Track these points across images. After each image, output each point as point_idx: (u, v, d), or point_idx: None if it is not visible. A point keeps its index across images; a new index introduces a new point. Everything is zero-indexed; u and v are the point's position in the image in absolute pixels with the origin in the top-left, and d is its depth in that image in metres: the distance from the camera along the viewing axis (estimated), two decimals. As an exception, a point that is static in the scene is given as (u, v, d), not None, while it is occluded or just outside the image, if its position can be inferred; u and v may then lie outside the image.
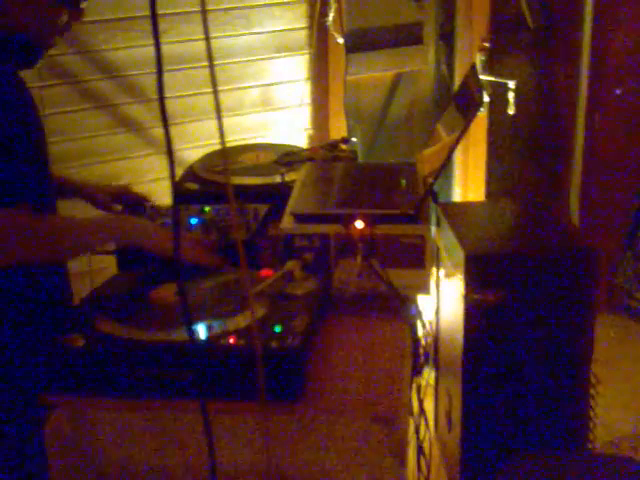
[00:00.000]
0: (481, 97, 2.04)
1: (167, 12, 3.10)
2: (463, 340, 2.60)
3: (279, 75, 3.47)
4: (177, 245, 1.12)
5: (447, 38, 4.05)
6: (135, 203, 2.25)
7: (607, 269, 4.20)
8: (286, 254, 1.87)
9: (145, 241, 1.78)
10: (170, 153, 1.04)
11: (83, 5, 1.86)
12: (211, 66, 1.01)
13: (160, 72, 1.00)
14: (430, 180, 1.99)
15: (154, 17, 0.95)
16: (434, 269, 2.88)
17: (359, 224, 1.85)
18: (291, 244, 1.87)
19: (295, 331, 1.54)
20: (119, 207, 2.27)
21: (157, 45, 0.96)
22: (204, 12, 1.00)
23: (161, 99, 1.02)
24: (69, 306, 1.96)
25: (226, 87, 3.34)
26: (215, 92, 1.06)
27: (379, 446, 1.49)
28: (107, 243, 1.81)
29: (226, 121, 3.34)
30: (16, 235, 1.66)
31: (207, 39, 0.99)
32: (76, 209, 2.24)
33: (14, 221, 1.67)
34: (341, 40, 3.49)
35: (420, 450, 2.07)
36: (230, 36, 3.31)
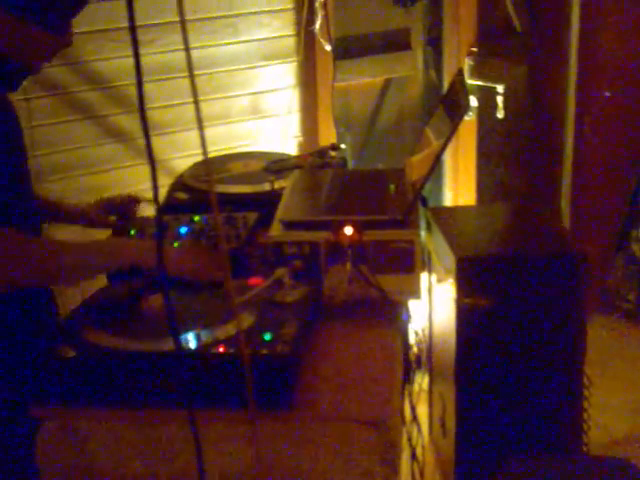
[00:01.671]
0: (468, 101, 2.05)
1: (155, 22, 3.10)
2: (456, 344, 2.60)
3: (267, 83, 3.47)
4: (160, 255, 1.12)
5: (435, 43, 4.06)
6: (127, 210, 2.25)
7: (599, 271, 4.20)
8: (275, 261, 1.86)
9: (143, 260, 1.76)
10: (152, 163, 1.04)
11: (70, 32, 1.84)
12: (191, 76, 1.01)
13: (140, 82, 1.00)
14: (419, 185, 1.99)
15: (133, 27, 0.95)
16: (425, 274, 2.88)
17: (348, 230, 1.85)
18: (280, 251, 1.87)
19: (285, 338, 1.54)
20: (113, 219, 2.25)
21: (136, 56, 0.96)
22: (183, 22, 1.00)
23: (141, 109, 1.02)
24: (55, 317, 1.96)
25: (214, 96, 3.34)
26: (196, 102, 1.06)
27: (371, 452, 1.49)
28: (105, 268, 1.80)
29: (215, 130, 3.36)
30: (6, 257, 1.66)
31: (187, 49, 1.00)
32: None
33: (5, 242, 1.66)
34: (329, 47, 3.49)
35: (413, 456, 2.07)
36: (218, 45, 3.31)
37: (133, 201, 2.27)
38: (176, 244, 1.96)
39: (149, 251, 1.76)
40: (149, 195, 2.72)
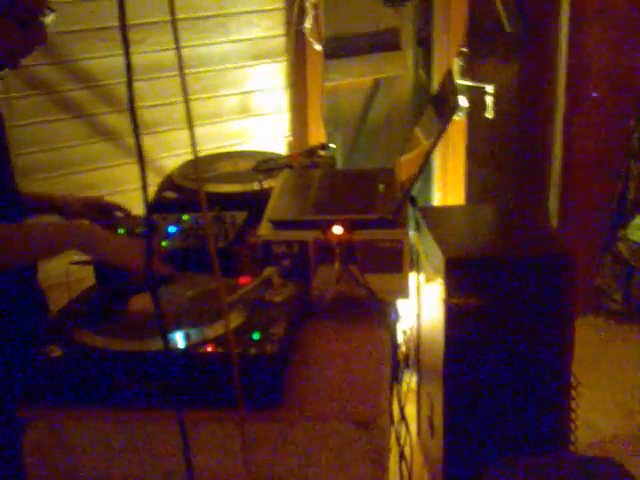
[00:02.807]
0: (457, 101, 2.05)
1: (145, 21, 3.09)
2: (444, 344, 2.61)
3: (257, 82, 3.47)
4: (149, 255, 1.12)
5: (425, 43, 4.06)
6: (109, 213, 2.24)
7: (587, 271, 4.21)
8: (264, 261, 1.86)
9: (98, 250, 1.76)
10: (141, 162, 1.03)
11: (43, 19, 1.82)
12: (182, 75, 1.01)
13: (130, 81, 1.00)
14: (408, 185, 1.99)
15: (123, 26, 0.95)
16: (414, 274, 2.88)
17: (337, 230, 1.85)
18: (269, 251, 1.87)
19: (274, 338, 1.54)
20: (93, 217, 2.24)
21: (127, 55, 0.96)
22: (174, 21, 1.00)
23: (132, 108, 1.02)
24: (44, 316, 1.95)
25: (204, 95, 3.33)
26: (186, 101, 1.05)
27: (359, 451, 1.49)
28: (61, 250, 1.79)
29: (205, 129, 3.35)
30: None
31: (178, 48, 0.99)
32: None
33: None
34: (319, 47, 3.49)
35: (402, 455, 2.07)
36: (208, 44, 3.31)
37: (119, 209, 2.27)
38: (164, 243, 1.96)
39: (91, 237, 1.76)
40: (137, 195, 2.72)
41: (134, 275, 1.75)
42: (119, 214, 2.26)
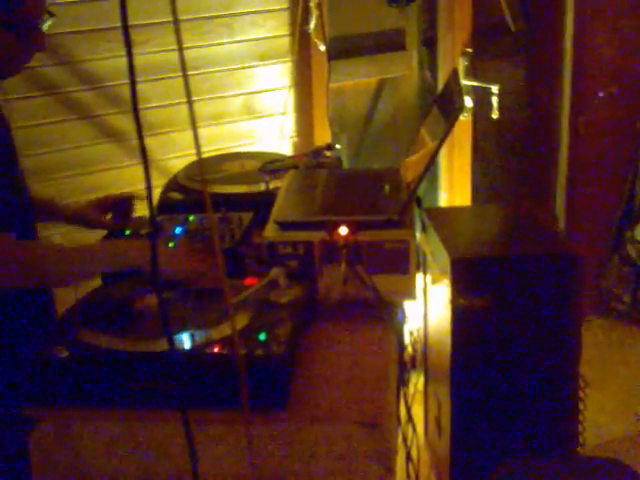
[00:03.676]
0: (463, 101, 2.04)
1: (149, 22, 3.09)
2: (451, 345, 2.60)
3: (262, 83, 3.47)
4: (155, 256, 1.12)
5: (430, 44, 4.06)
6: (123, 209, 2.24)
7: (594, 272, 4.21)
8: (270, 262, 1.86)
9: (139, 263, 1.74)
10: (145, 163, 1.03)
11: (42, 25, 1.79)
12: (185, 76, 1.01)
13: (133, 82, 1.00)
14: (413, 185, 1.99)
15: (126, 27, 0.95)
16: (421, 275, 2.88)
17: (343, 230, 1.84)
18: (275, 252, 1.87)
19: (280, 339, 1.54)
20: (109, 219, 2.24)
21: (130, 55, 0.96)
22: (176, 22, 1.00)
23: (135, 109, 1.01)
24: (52, 317, 1.95)
25: (209, 96, 3.33)
26: (190, 102, 1.05)
27: (365, 453, 1.49)
28: (99, 272, 1.79)
29: (210, 130, 3.35)
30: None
31: (180, 49, 0.99)
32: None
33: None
34: (323, 47, 3.49)
35: (408, 456, 2.06)
36: (212, 45, 3.31)
37: (129, 199, 2.26)
38: (171, 244, 1.96)
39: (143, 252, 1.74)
40: (144, 194, 2.72)
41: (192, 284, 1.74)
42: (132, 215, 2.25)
